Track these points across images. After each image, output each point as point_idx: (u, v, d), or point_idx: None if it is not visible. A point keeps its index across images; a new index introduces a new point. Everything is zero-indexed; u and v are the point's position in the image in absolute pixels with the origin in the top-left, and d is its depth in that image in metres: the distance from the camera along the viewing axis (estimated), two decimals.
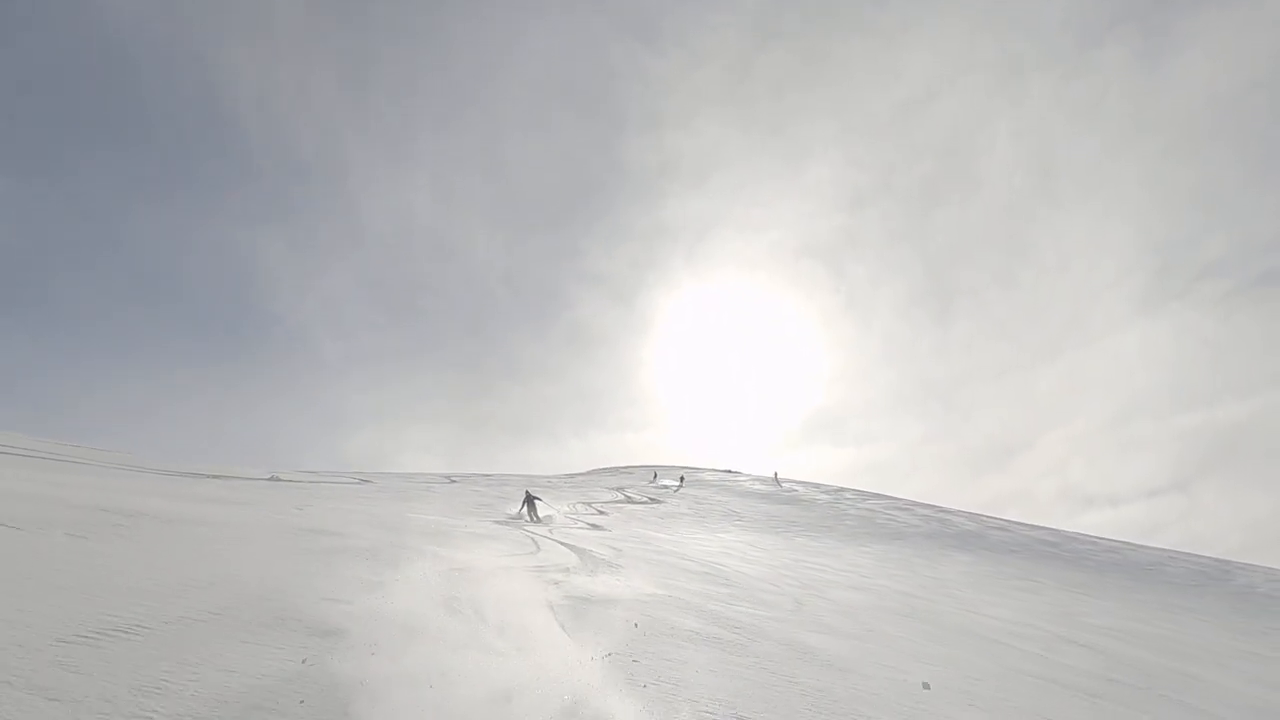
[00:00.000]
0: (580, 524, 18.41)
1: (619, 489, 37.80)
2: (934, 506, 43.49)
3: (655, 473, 53.57)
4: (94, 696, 2.76)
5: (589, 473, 62.57)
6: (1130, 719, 5.87)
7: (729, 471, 61.98)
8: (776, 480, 52.10)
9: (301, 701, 3.10)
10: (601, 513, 24.04)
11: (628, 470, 60.11)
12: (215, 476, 21.24)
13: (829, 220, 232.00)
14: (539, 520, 17.27)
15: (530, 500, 18.36)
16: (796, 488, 47.67)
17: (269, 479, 21.46)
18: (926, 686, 5.54)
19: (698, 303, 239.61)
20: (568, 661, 4.24)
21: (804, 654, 5.94)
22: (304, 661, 3.53)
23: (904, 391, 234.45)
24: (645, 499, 32.71)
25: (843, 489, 50.07)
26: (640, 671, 4.35)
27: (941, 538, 29.27)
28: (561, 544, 11.85)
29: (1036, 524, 40.12)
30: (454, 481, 34.47)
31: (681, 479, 43.40)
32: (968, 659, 7.28)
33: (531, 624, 5.10)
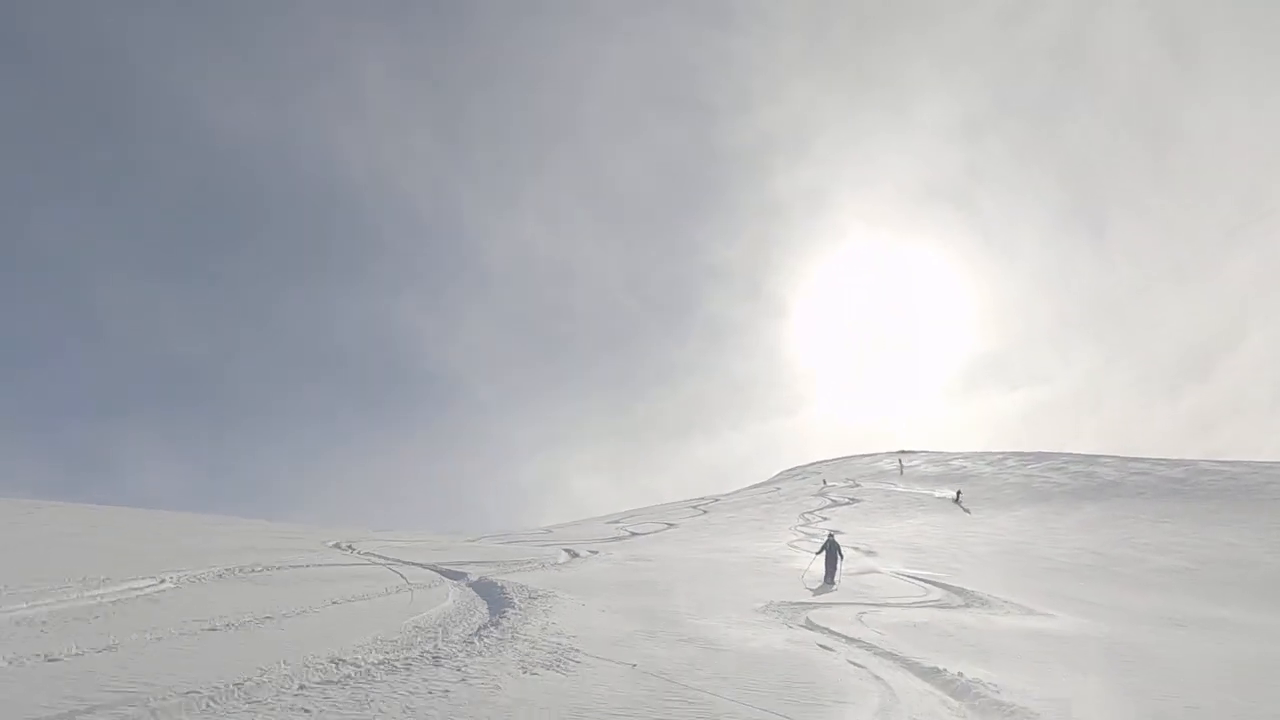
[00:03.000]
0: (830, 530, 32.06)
1: (822, 494, 50.70)
2: (1089, 458, 51.52)
3: (824, 479, 63.38)
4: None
5: (777, 477, 75.92)
6: (1039, 576, 18.51)
7: (903, 453, 72.23)
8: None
9: None
10: (826, 519, 37.44)
11: (814, 469, 72.58)
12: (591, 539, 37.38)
13: (947, 158, 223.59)
14: (837, 584, 14.86)
15: (832, 551, 15.51)
16: (965, 464, 57.50)
17: (629, 535, 37.35)
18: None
19: (827, 271, 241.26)
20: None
21: (953, 571, 19.28)
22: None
23: (1069, 318, 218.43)
24: (846, 500, 45.53)
25: (1007, 456, 58.90)
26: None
27: (1082, 493, 39.15)
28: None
29: (1182, 459, 47.21)
30: (705, 512, 49.56)
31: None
32: (1015, 565, 20.10)
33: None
